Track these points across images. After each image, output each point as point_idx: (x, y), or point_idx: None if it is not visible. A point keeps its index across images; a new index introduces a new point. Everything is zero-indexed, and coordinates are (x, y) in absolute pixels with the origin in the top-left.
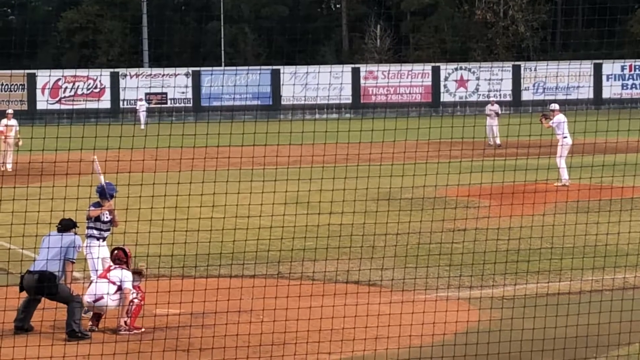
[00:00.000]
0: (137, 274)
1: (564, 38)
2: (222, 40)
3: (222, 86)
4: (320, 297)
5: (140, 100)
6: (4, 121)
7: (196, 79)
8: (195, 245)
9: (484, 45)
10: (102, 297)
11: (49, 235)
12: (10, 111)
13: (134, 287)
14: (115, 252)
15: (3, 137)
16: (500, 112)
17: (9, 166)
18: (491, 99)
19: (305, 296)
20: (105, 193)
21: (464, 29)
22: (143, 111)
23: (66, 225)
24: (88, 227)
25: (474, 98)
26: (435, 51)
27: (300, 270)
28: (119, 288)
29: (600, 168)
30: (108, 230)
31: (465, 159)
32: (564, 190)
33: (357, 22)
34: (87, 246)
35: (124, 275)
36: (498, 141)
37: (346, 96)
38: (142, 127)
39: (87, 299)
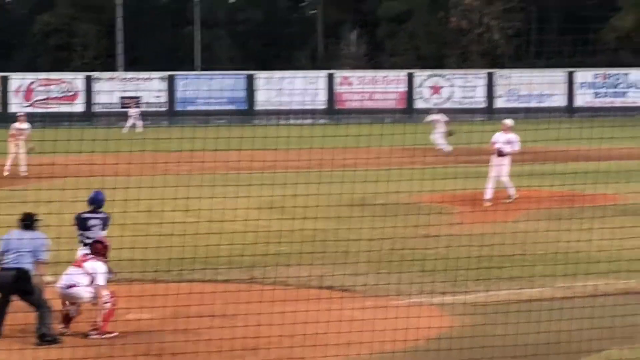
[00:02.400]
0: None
1: (538, 46)
2: (198, 44)
3: (197, 90)
4: (293, 302)
5: (133, 104)
6: (16, 124)
7: (171, 83)
8: (169, 249)
9: (459, 52)
10: (74, 285)
11: (12, 233)
12: (21, 113)
13: (107, 293)
14: (95, 244)
15: (14, 140)
16: (446, 120)
17: (23, 169)
18: (433, 108)
19: (279, 301)
20: (99, 202)
21: (439, 35)
22: (136, 115)
23: (31, 221)
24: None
25: (448, 105)
26: (410, 58)
27: (274, 275)
28: (92, 281)
29: (568, 175)
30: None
31: (438, 165)
32: (535, 198)
33: (333, 28)
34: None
35: (99, 268)
36: (446, 148)
37: (321, 102)
38: (138, 130)
39: (59, 286)
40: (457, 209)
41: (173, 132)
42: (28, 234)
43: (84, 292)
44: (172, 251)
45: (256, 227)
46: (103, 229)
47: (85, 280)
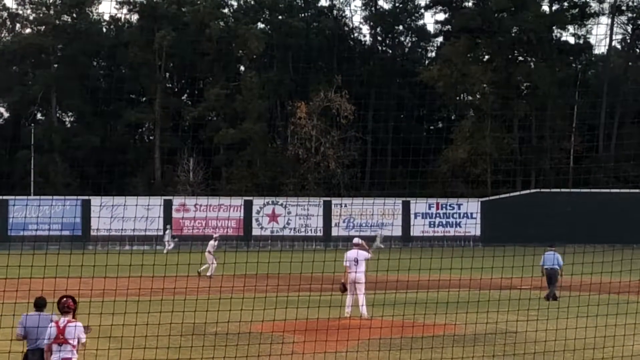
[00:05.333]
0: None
1: (373, 176)
2: (32, 169)
3: (31, 216)
4: None
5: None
6: None
7: (4, 208)
8: None
9: (296, 180)
10: None
11: (29, 315)
12: None
13: None
14: (64, 299)
15: None
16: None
17: None
18: (215, 235)
19: None
20: None
21: (277, 163)
22: (168, 239)
23: (45, 304)
24: None
25: (286, 232)
26: (248, 185)
27: None
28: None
29: (406, 305)
30: None
31: (270, 293)
32: (366, 327)
33: (170, 155)
34: None
35: (79, 332)
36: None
37: (159, 229)
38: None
39: None
40: (296, 338)
41: (4, 258)
42: (43, 317)
43: None
44: None
45: (84, 356)
46: None
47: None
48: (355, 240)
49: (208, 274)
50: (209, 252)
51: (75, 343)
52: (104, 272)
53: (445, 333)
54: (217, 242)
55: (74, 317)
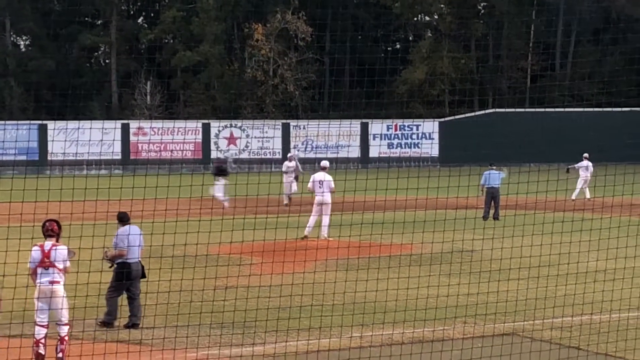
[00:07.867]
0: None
1: (332, 97)
2: None
3: None
4: (89, 358)
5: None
6: None
7: None
8: None
9: (254, 103)
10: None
11: (125, 230)
12: None
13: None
14: (48, 223)
15: None
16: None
17: None
18: (290, 154)
19: (75, 356)
20: None
21: (235, 86)
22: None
23: (129, 218)
24: None
25: (244, 155)
26: (205, 108)
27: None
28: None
29: (364, 225)
30: None
31: (227, 215)
32: (331, 248)
33: (127, 78)
34: None
35: (64, 255)
36: (295, 188)
37: (116, 152)
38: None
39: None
40: (254, 260)
41: None
42: (133, 230)
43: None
44: None
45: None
46: None
47: (62, 277)
48: (323, 163)
49: (285, 201)
50: (286, 172)
51: (61, 267)
52: (60, 197)
53: (402, 253)
54: (292, 161)
55: (57, 241)
